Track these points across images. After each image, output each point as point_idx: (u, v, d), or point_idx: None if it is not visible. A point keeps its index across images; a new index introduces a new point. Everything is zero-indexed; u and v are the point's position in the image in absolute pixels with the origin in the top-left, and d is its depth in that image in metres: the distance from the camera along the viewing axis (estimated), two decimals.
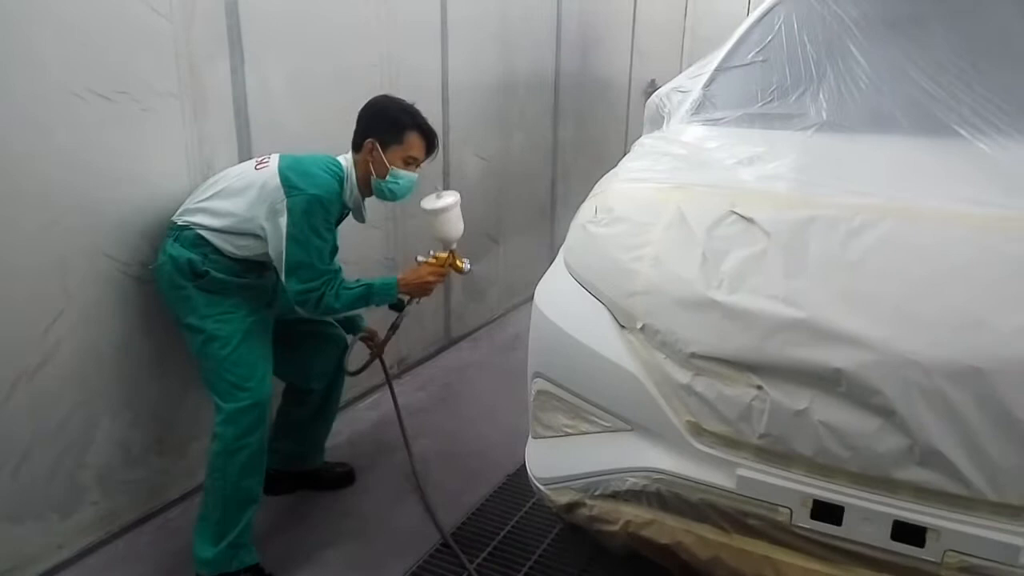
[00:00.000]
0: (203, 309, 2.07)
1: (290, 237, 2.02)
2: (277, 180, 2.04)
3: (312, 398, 2.48)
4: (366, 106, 2.27)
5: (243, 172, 2.13)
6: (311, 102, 2.75)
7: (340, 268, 2.18)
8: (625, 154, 2.35)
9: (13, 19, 1.83)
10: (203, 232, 2.07)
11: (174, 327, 2.17)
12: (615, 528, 1.75)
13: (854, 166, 1.89)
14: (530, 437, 2.08)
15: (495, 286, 4.27)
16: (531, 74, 4.22)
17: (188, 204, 2.15)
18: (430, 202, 2.34)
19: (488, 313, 4.26)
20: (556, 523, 2.42)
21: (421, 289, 2.36)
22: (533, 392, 1.98)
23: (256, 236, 2.08)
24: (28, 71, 1.87)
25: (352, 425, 3.03)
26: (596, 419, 1.78)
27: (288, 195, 2.02)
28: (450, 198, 2.34)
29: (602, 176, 2.23)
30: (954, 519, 1.37)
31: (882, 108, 2.11)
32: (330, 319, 2.45)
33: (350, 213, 2.29)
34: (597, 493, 1.78)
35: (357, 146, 2.23)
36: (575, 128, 4.84)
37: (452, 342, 3.89)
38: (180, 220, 2.11)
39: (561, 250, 2.06)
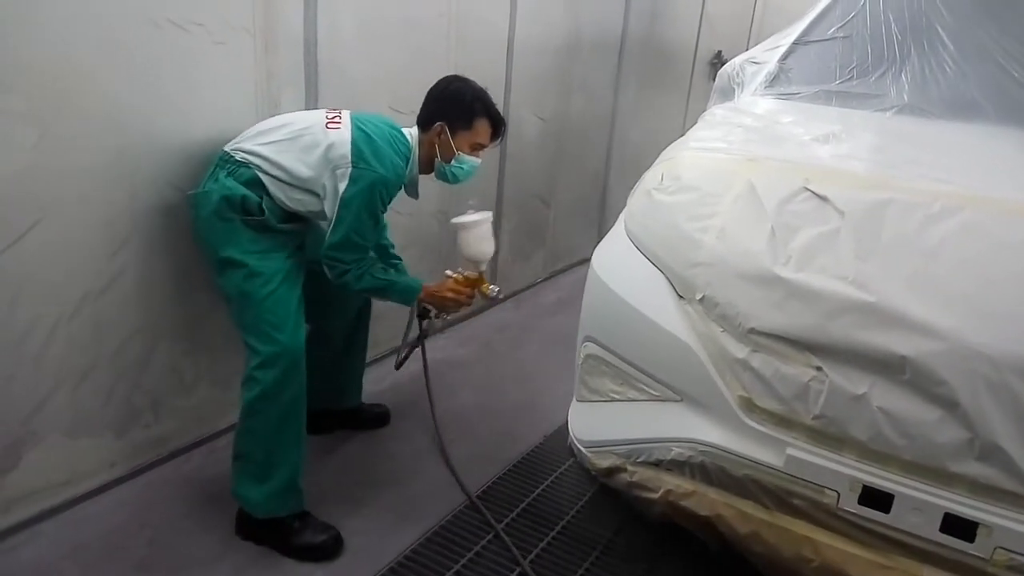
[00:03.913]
0: (247, 244, 2.03)
1: (344, 203, 2.02)
2: (347, 148, 2.02)
3: (334, 339, 2.48)
4: (438, 87, 2.23)
5: (312, 126, 2.07)
6: (377, 49, 2.74)
7: (373, 255, 2.21)
8: (685, 127, 2.30)
9: None
10: (262, 176, 2.03)
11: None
12: (655, 496, 1.76)
13: (934, 152, 1.84)
14: (574, 399, 2.09)
15: (542, 249, 4.25)
16: (597, 37, 4.14)
17: (247, 142, 2.07)
18: (460, 216, 2.30)
19: (532, 276, 4.26)
20: (589, 487, 2.43)
21: (438, 303, 2.32)
22: (582, 355, 1.98)
23: (314, 194, 2.06)
24: None
25: (396, 374, 3.05)
26: (645, 387, 1.78)
27: (355, 165, 2.01)
28: (480, 215, 2.30)
29: (660, 147, 2.19)
30: (1008, 516, 1.35)
31: (967, 94, 2.04)
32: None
33: (404, 187, 2.27)
34: (640, 460, 1.79)
35: (423, 125, 2.21)
36: (636, 96, 4.75)
37: (495, 301, 3.89)
38: (238, 155, 2.05)
39: (622, 215, 2.04)
